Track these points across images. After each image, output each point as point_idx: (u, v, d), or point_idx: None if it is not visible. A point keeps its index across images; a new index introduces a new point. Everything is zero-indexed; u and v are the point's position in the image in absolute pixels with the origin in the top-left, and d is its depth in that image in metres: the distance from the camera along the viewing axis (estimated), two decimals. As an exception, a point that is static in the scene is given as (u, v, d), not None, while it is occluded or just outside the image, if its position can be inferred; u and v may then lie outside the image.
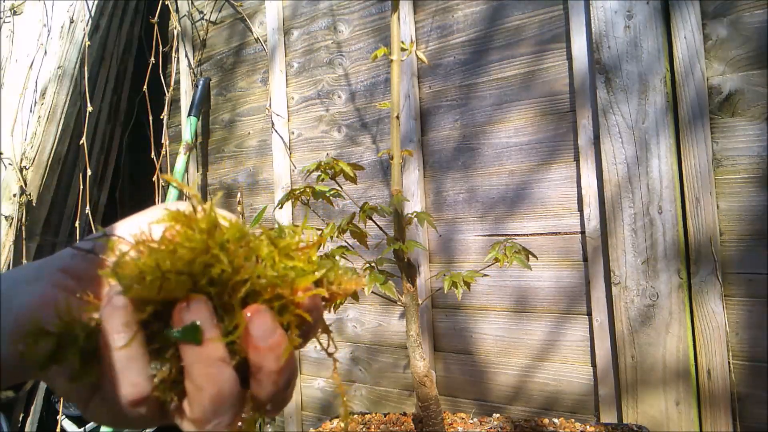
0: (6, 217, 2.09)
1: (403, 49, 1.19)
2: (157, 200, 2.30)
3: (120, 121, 2.56)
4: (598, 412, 1.43)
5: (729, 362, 1.25)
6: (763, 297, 1.22)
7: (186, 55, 2.52)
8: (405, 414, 1.53)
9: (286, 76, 2.13)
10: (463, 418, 1.44)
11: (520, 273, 1.56)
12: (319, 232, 1.15)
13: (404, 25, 1.75)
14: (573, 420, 1.39)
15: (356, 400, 1.91)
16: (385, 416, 1.52)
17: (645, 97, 1.33)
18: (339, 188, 1.24)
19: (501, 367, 1.59)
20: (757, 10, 1.23)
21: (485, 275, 1.27)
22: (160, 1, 2.49)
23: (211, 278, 0.31)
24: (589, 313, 1.44)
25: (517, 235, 1.56)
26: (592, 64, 1.41)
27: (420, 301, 1.23)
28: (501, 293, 1.59)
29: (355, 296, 1.08)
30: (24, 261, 2.07)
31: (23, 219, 2.09)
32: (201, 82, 2.39)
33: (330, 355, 0.35)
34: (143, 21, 2.62)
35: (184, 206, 0.33)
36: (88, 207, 2.20)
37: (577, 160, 1.47)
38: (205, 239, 0.31)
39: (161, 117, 2.45)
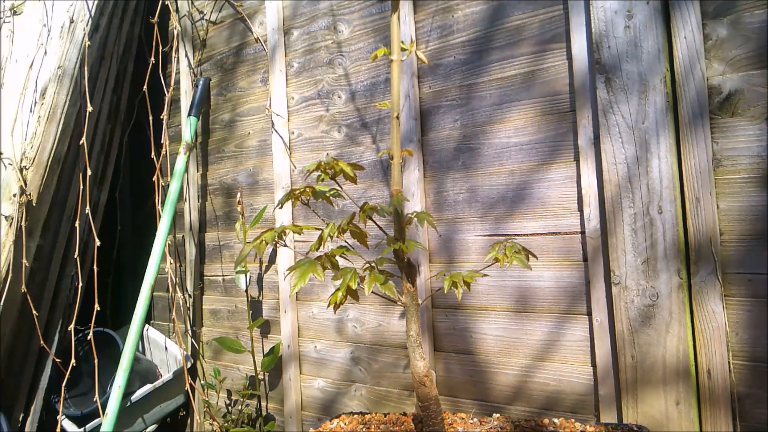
0: (6, 217, 2.09)
1: (403, 49, 1.19)
2: (157, 200, 2.31)
3: (120, 121, 2.56)
4: (598, 412, 1.43)
5: (729, 362, 1.25)
6: (763, 297, 1.22)
7: (186, 55, 2.52)
8: (405, 414, 1.53)
9: (286, 76, 2.13)
10: (463, 418, 1.44)
11: (521, 273, 1.56)
12: (319, 232, 1.15)
13: (404, 25, 1.75)
14: (573, 420, 1.39)
15: (356, 400, 1.91)
16: (385, 416, 1.52)
17: (645, 97, 1.33)
18: (339, 188, 1.24)
19: (501, 367, 1.59)
20: (757, 10, 1.23)
21: (485, 275, 1.27)
22: (160, 1, 2.49)
23: None
24: (589, 313, 1.44)
25: (518, 235, 1.56)
26: (592, 64, 1.41)
27: (420, 301, 1.23)
28: (501, 293, 1.59)
29: (355, 296, 1.08)
30: (24, 261, 2.07)
31: (23, 219, 2.09)
32: (201, 82, 2.39)
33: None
34: (143, 21, 2.62)
35: None
36: (88, 207, 2.20)
37: (577, 160, 1.47)
38: None
39: (161, 117, 2.45)
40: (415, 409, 1.27)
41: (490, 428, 1.35)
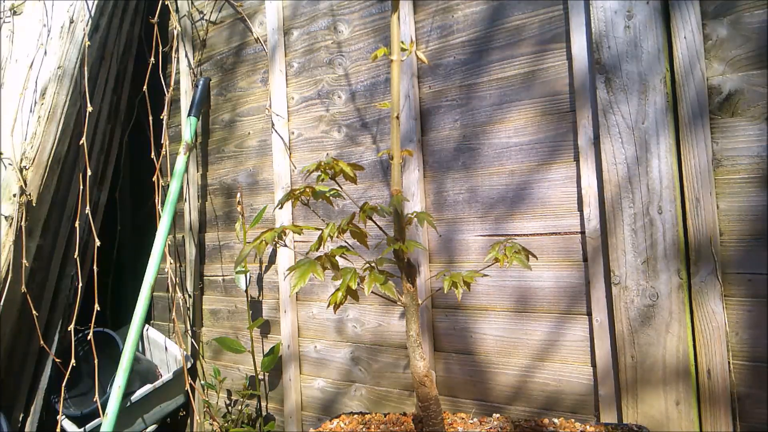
0: (6, 217, 2.09)
1: (403, 49, 1.19)
2: (157, 200, 2.31)
3: (120, 121, 2.56)
4: (598, 412, 1.43)
5: (729, 362, 1.25)
6: (763, 297, 1.22)
7: (186, 55, 2.52)
8: (405, 414, 1.53)
9: (286, 76, 2.13)
10: (463, 418, 1.44)
11: (521, 273, 1.56)
12: (319, 232, 1.15)
13: (404, 25, 1.75)
14: (573, 420, 1.39)
15: (356, 400, 1.91)
16: (385, 416, 1.52)
17: (645, 97, 1.33)
18: (339, 188, 1.24)
19: (501, 367, 1.59)
20: (757, 10, 1.23)
21: (485, 275, 1.27)
22: (160, 1, 2.49)
23: None
24: (589, 313, 1.44)
25: (518, 235, 1.56)
26: (592, 64, 1.41)
27: (420, 301, 1.23)
28: (501, 293, 1.59)
29: (355, 296, 1.08)
30: (24, 261, 2.07)
31: (23, 219, 2.09)
32: (201, 82, 2.39)
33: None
34: (143, 21, 2.62)
35: None
36: (88, 207, 2.20)
37: (577, 160, 1.47)
38: None
39: (161, 117, 2.45)
40: (415, 409, 1.27)
41: (490, 428, 1.35)
